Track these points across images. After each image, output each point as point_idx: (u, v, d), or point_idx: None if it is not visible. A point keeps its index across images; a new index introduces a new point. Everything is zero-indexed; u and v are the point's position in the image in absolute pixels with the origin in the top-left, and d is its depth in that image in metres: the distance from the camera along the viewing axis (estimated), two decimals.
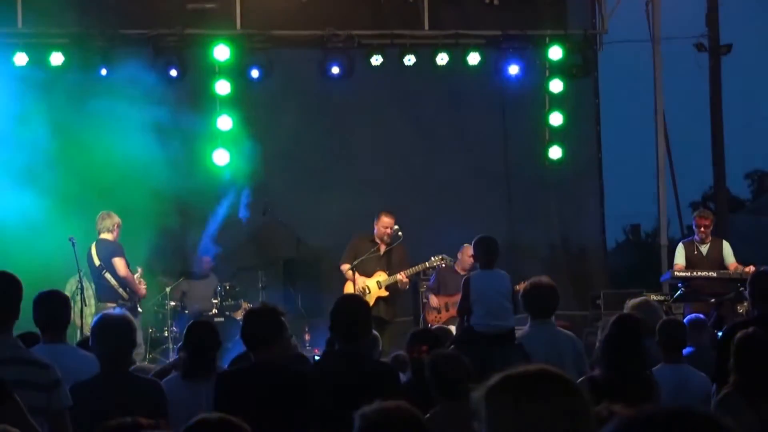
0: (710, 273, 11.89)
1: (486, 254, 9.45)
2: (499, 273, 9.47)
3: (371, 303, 11.38)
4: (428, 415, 5.24)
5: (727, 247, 12.16)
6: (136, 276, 11.83)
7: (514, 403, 2.37)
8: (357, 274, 12.05)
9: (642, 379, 5.74)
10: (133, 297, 11.66)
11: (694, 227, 12.30)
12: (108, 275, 11.58)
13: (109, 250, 11.65)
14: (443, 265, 12.23)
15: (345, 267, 12.15)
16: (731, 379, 4.78)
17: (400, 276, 12.03)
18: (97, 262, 11.67)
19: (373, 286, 12.05)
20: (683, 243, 12.42)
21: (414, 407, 3.25)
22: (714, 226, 12.36)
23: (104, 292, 11.69)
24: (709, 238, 12.19)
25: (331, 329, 6.12)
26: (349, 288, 12.13)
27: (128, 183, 13.21)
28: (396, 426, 3.13)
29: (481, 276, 9.46)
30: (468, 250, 12.44)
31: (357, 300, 6.42)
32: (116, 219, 11.82)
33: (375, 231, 12.24)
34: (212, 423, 2.86)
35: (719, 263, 11.96)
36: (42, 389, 5.12)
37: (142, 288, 11.85)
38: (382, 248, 12.20)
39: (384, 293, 12.06)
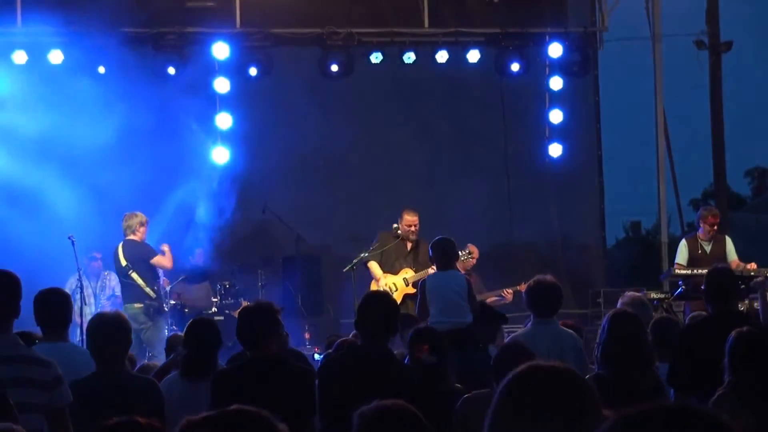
0: None
1: (442, 256, 9.89)
2: (455, 273, 9.89)
3: (398, 300, 11.20)
4: None
5: (730, 244, 12.11)
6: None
7: (534, 400, 2.34)
8: (385, 275, 11.86)
9: (647, 378, 5.72)
10: (160, 296, 11.69)
11: (701, 223, 12.19)
12: (135, 275, 11.57)
13: (137, 252, 11.65)
14: (471, 258, 12.08)
15: (372, 263, 11.93)
16: (726, 379, 4.74)
17: (431, 271, 11.86)
18: (123, 262, 11.66)
19: (399, 283, 11.87)
20: (686, 239, 12.35)
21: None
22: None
23: (129, 293, 11.67)
24: (713, 234, 12.16)
25: (357, 326, 5.97)
26: (374, 286, 12.01)
27: (126, 181, 13.23)
28: (395, 425, 3.10)
29: (436, 276, 9.87)
30: (468, 248, 12.43)
31: (385, 297, 6.30)
32: (139, 218, 11.80)
33: (399, 229, 11.99)
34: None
35: (722, 261, 11.91)
36: (43, 387, 5.12)
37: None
38: (409, 245, 12.02)
39: (411, 290, 11.74)
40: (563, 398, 2.35)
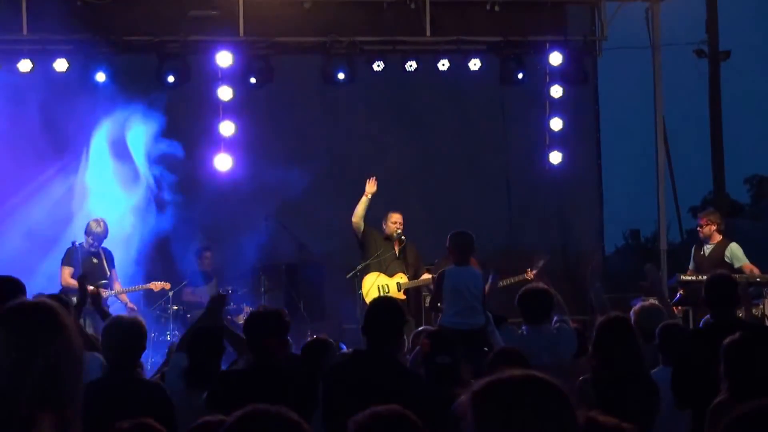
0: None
1: (461, 250, 9.48)
2: (473, 271, 9.50)
3: None
4: None
5: (731, 249, 12.16)
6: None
7: (503, 410, 2.38)
8: (378, 273, 12.17)
9: (639, 381, 5.79)
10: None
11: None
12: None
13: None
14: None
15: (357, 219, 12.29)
16: (724, 385, 4.79)
17: (426, 277, 12.05)
18: None
19: (393, 287, 12.14)
20: (696, 244, 12.57)
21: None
22: (718, 226, 12.35)
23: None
24: (716, 238, 12.27)
25: (364, 331, 5.96)
26: (368, 283, 12.13)
27: (130, 188, 13.32)
28: (389, 430, 3.05)
29: (455, 273, 9.43)
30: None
31: (392, 303, 6.34)
32: (91, 226, 12.18)
33: (385, 230, 12.37)
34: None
35: (720, 264, 11.94)
36: None
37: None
38: (396, 247, 12.33)
39: (402, 296, 12.02)
40: (537, 406, 2.39)
